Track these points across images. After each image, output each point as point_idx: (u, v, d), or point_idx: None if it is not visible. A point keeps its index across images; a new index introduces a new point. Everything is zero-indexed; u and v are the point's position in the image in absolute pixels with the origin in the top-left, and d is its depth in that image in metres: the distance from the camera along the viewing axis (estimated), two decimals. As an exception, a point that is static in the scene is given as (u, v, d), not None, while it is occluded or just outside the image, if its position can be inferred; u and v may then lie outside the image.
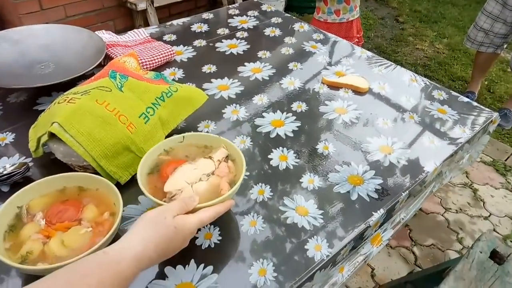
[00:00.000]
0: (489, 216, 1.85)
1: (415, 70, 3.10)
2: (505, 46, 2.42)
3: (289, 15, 1.52)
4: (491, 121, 1.02)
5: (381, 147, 0.91)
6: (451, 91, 1.13)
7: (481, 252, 1.01)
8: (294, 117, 0.98)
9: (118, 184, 0.72)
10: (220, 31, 1.37)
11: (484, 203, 1.92)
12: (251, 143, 0.89)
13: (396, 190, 0.80)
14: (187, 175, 0.66)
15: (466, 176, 2.08)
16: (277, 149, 0.88)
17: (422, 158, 0.88)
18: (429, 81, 1.17)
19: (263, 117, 0.98)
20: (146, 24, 2.76)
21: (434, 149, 0.91)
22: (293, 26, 1.42)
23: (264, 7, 1.55)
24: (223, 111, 0.99)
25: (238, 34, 1.36)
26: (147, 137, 0.77)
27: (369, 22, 3.85)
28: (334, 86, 1.11)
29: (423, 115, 1.03)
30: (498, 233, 1.77)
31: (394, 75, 1.18)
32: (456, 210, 1.87)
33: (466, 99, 1.10)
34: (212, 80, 1.11)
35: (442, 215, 1.83)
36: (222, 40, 1.31)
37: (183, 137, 0.74)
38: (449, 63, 3.22)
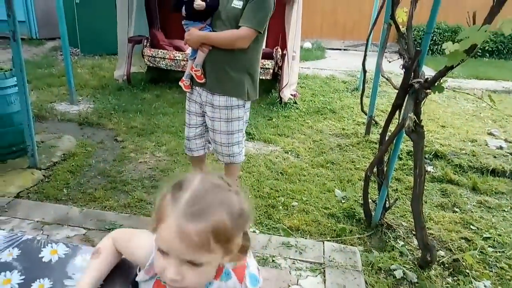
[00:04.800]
0: None
1: (142, 184, 3.12)
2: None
3: None
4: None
5: None
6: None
7: None
8: None
9: None
10: None
11: None
12: None
13: None
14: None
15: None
16: None
17: None
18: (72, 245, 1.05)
19: None
20: None
21: None
22: None
23: None
24: None
25: None
26: None
27: (88, 149, 3.75)
28: None
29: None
30: None
31: (29, 254, 1.00)
32: None
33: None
34: None
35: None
36: None
37: None
38: (171, 168, 3.44)
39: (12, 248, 0.95)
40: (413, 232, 2.67)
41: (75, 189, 3.08)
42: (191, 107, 2.54)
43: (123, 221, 2.57)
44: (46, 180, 3.19)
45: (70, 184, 3.13)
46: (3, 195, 2.84)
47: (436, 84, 1.78)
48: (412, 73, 2.07)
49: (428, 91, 1.84)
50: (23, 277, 0.87)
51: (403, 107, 2.29)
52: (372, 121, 4.17)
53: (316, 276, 2.19)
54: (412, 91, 2.06)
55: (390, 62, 2.23)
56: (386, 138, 2.47)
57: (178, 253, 0.71)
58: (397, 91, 2.30)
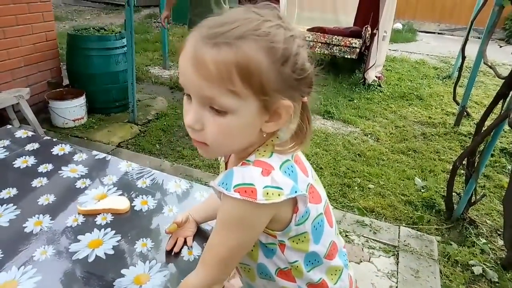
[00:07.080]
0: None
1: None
2: None
3: (49, 138, 1.40)
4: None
5: (137, 277, 0.83)
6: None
7: None
8: (34, 270, 0.83)
9: None
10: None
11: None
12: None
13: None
14: None
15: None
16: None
17: (182, 276, 0.84)
18: (192, 183, 1.21)
19: (-14, 284, 0.80)
20: None
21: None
22: (51, 150, 1.30)
23: (18, 133, 1.39)
24: None
25: (-24, 174, 1.15)
26: None
27: (177, 112, 4.04)
28: (92, 214, 1.02)
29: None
30: None
31: (158, 185, 1.17)
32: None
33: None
34: None
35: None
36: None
37: None
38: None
39: (145, 178, 1.14)
40: (498, 232, 2.53)
41: (166, 145, 3.39)
42: None
43: (208, 179, 2.78)
44: (142, 134, 3.55)
45: (162, 141, 3.44)
46: (108, 143, 3.24)
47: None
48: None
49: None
50: (156, 201, 1.05)
51: (509, 97, 2.13)
52: (464, 112, 3.89)
53: (389, 257, 2.20)
54: (523, 80, 1.91)
55: (501, 47, 2.07)
56: (483, 129, 2.33)
57: (193, 85, 0.57)
58: (497, 82, 2.14)
